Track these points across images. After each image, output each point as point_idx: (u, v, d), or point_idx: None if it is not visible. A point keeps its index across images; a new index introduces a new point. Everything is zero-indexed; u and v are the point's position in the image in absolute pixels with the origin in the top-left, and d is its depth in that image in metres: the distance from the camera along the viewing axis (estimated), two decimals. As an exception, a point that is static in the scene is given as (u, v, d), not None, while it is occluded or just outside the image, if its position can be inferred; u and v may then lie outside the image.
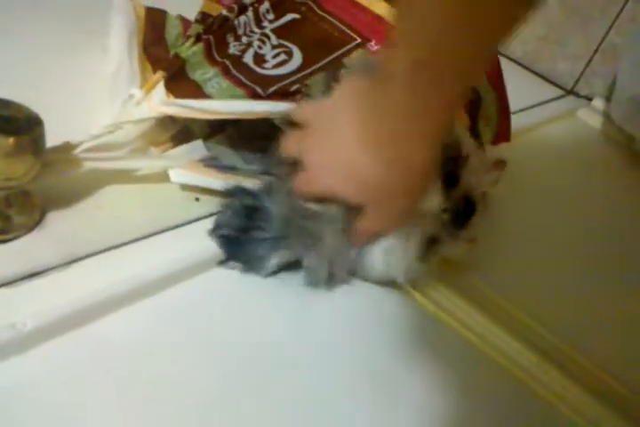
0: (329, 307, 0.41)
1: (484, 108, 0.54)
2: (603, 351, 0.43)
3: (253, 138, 0.46)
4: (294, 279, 0.41)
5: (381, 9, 0.52)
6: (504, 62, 0.91)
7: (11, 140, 0.35)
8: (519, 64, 0.93)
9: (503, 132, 0.57)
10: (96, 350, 0.34)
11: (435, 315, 0.43)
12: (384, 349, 0.39)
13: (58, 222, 0.39)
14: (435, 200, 0.38)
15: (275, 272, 0.41)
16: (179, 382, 0.34)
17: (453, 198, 0.39)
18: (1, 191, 0.36)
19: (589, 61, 0.83)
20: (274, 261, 0.39)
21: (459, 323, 0.43)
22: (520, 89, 0.86)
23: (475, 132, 0.53)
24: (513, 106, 0.81)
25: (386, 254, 0.38)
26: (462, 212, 0.39)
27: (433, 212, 0.38)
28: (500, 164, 0.58)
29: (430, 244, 0.39)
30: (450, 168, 0.39)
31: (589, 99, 0.82)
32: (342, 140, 0.35)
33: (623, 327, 0.47)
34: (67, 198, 0.41)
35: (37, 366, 0.32)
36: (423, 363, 0.39)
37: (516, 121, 0.76)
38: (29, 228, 0.38)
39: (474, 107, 0.53)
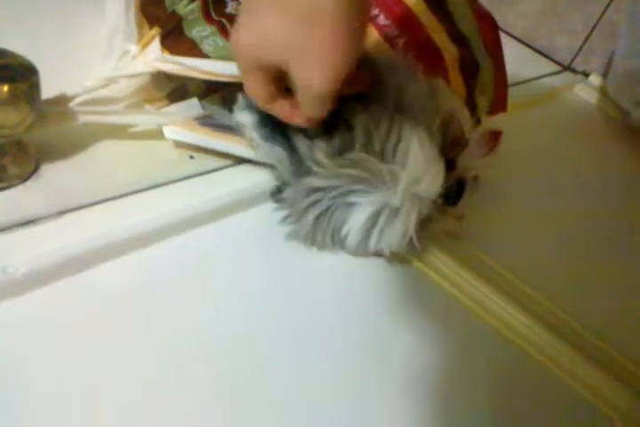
0: (328, 267, 0.42)
1: (481, 76, 0.54)
2: (591, 313, 0.44)
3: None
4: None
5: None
6: (503, 38, 0.91)
7: (5, 87, 0.35)
8: (518, 40, 0.93)
9: (500, 102, 0.57)
10: (88, 296, 0.34)
11: (427, 275, 0.44)
12: (377, 308, 0.40)
13: (52, 174, 0.39)
14: (437, 185, 0.38)
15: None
16: (169, 331, 0.34)
17: (448, 180, 0.39)
18: (-5, 140, 0.36)
19: (587, 38, 0.83)
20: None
21: (450, 284, 0.44)
22: (518, 64, 0.87)
23: (471, 102, 0.53)
24: (511, 80, 0.81)
25: (381, 233, 0.39)
26: (455, 194, 0.40)
27: (432, 195, 0.39)
28: (496, 134, 0.58)
29: (422, 222, 0.40)
30: (452, 155, 0.40)
31: (586, 74, 0.83)
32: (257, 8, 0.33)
33: (612, 290, 0.48)
34: (61, 151, 0.41)
35: (29, 310, 0.33)
36: (413, 320, 0.40)
37: (514, 95, 0.76)
38: (23, 178, 0.38)
39: (471, 74, 0.53)
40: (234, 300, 0.37)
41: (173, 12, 0.49)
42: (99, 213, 0.38)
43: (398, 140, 0.38)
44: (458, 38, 0.51)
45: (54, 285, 0.34)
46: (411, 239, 0.40)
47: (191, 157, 0.45)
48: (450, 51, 0.51)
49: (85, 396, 0.30)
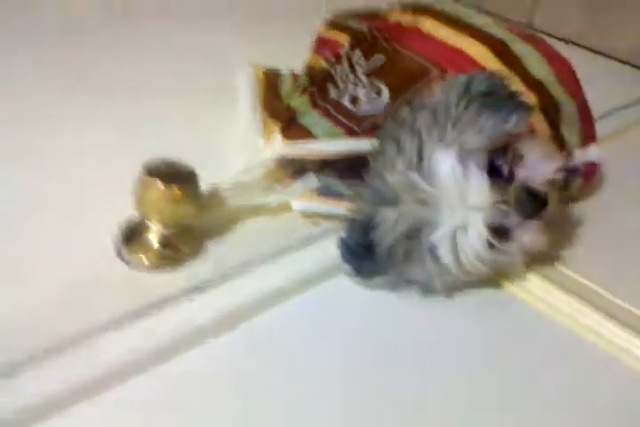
0: (431, 307, 0.48)
1: (564, 114, 0.58)
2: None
3: (354, 167, 0.56)
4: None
5: (457, 41, 0.59)
6: (602, 60, 0.94)
7: (178, 189, 0.47)
8: (620, 60, 0.94)
9: (589, 134, 0.61)
10: (253, 346, 0.45)
11: (525, 300, 0.49)
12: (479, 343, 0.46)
13: (214, 249, 0.52)
14: (482, 193, 0.43)
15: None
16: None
17: (512, 191, 0.44)
18: (173, 229, 0.49)
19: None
20: (381, 280, 0.49)
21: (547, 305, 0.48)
22: (622, 85, 0.88)
23: (559, 139, 0.58)
24: (614, 102, 0.85)
25: (452, 248, 0.44)
26: (525, 203, 0.44)
27: (485, 204, 0.43)
28: (593, 166, 0.62)
29: (498, 234, 0.44)
30: (497, 163, 0.44)
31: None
32: None
33: None
34: (218, 229, 0.53)
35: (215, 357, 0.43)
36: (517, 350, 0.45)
37: (623, 116, 0.79)
38: (193, 255, 0.51)
39: (553, 115, 0.58)
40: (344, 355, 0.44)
41: (288, 106, 0.61)
42: (252, 277, 0.49)
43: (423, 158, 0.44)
44: (532, 83, 0.57)
45: (226, 336, 0.45)
46: (487, 254, 0.44)
47: (316, 224, 0.55)
48: (527, 96, 0.56)
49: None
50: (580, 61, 0.88)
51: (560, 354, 0.46)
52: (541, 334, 0.48)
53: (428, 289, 0.48)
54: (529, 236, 0.45)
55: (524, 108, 0.47)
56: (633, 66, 0.91)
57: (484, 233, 0.43)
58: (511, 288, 0.51)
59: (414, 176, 0.44)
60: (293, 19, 0.92)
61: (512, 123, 0.45)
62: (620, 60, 0.93)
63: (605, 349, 0.46)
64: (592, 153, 0.60)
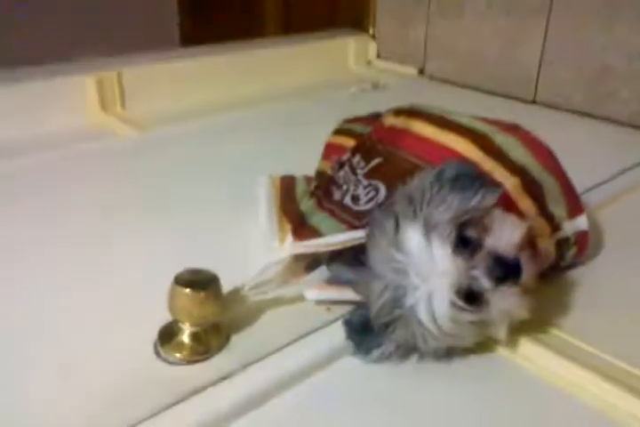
0: (427, 375, 0.52)
1: (548, 192, 0.64)
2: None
3: (359, 256, 0.62)
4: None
5: (444, 138, 0.67)
6: (607, 127, 1.01)
7: (202, 293, 0.55)
8: (625, 124, 0.99)
9: (575, 207, 0.66)
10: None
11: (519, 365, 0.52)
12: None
13: (238, 340, 0.58)
14: (445, 260, 0.48)
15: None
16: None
17: (481, 258, 0.49)
18: (201, 327, 0.57)
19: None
20: (376, 352, 0.54)
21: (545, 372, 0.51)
22: (625, 149, 0.92)
23: (546, 214, 0.63)
24: (618, 166, 0.89)
25: (428, 310, 0.48)
26: (493, 268, 0.49)
27: (449, 270, 0.48)
28: (582, 235, 0.66)
29: (470, 299, 0.48)
30: (467, 235, 0.50)
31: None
32: None
33: None
34: (241, 322, 0.60)
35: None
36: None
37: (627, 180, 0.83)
38: (221, 347, 0.57)
39: (537, 194, 0.63)
40: None
41: (299, 210, 0.69)
42: (273, 363, 0.55)
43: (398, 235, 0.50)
44: (514, 168, 0.63)
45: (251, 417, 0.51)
46: (468, 314, 0.48)
47: (328, 309, 0.61)
48: (511, 181, 0.62)
49: None
50: (582, 129, 0.95)
51: (559, 419, 0.48)
52: (538, 398, 0.50)
53: (420, 355, 0.53)
54: (505, 301, 0.49)
55: (490, 186, 0.54)
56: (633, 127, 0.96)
57: (450, 295, 0.48)
58: (505, 353, 0.55)
59: (391, 250, 0.51)
60: (312, 126, 1.03)
61: (477, 199, 0.52)
62: (622, 124, 0.98)
63: (607, 412, 0.48)
64: (580, 223, 0.64)
